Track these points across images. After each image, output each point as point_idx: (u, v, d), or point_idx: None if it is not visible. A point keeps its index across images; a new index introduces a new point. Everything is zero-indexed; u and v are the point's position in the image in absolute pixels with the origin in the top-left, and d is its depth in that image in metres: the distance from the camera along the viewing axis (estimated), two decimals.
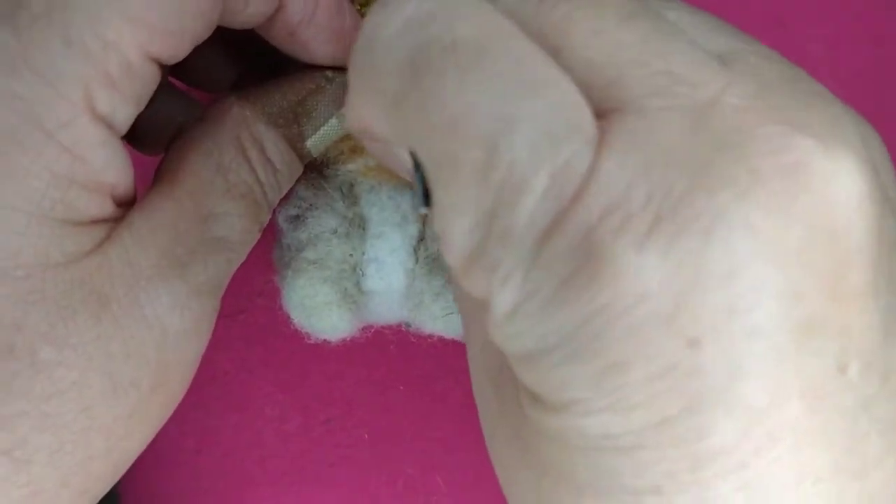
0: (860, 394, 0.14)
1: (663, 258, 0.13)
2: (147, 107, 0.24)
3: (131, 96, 0.18)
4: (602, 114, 0.14)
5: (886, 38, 0.30)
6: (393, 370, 0.30)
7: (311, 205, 0.24)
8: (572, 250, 0.13)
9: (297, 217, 0.25)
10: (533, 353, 0.14)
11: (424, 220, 0.25)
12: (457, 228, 0.14)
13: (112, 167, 0.18)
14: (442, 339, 0.26)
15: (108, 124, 0.18)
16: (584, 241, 0.13)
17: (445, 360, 0.30)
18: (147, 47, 0.18)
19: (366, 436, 0.30)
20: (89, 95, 0.17)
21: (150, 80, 0.19)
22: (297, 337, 0.25)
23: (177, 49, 0.19)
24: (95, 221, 0.19)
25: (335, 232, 0.24)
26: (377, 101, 0.15)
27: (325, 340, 0.25)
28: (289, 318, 0.25)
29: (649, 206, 0.13)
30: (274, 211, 0.24)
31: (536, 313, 0.14)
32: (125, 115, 0.18)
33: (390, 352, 0.30)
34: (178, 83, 0.25)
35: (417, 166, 0.15)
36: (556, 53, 0.15)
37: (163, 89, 0.24)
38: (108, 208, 0.19)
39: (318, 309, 0.24)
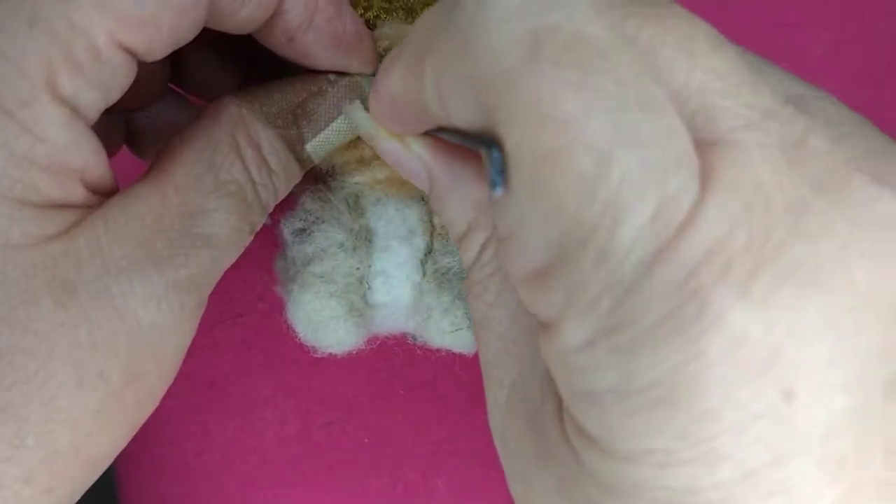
0: None
1: (764, 306, 0.13)
2: (147, 112, 0.24)
3: (97, 83, 0.18)
4: (697, 144, 0.13)
5: (887, 39, 0.30)
6: (393, 374, 0.30)
7: (317, 218, 0.24)
8: (672, 288, 0.13)
9: (303, 230, 0.24)
10: (607, 392, 0.13)
11: (433, 234, 0.25)
12: (540, 233, 0.13)
13: (77, 150, 0.18)
14: None
15: (71, 107, 0.18)
16: (686, 280, 0.13)
17: (446, 364, 0.30)
18: (117, 35, 0.17)
19: (366, 439, 0.30)
20: (52, 76, 0.17)
21: (120, 70, 0.18)
22: (297, 341, 0.25)
23: (151, 42, 0.18)
24: (62, 206, 0.18)
25: (342, 245, 0.24)
26: (468, 75, 0.14)
27: (330, 353, 0.25)
28: (291, 328, 0.25)
29: (750, 250, 0.13)
30: (278, 222, 0.24)
31: (622, 350, 0.13)
32: (90, 101, 0.18)
33: (391, 356, 0.30)
34: (179, 90, 0.25)
35: (496, 147, 0.14)
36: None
37: (163, 95, 0.24)
38: (77, 194, 0.18)
39: (324, 323, 0.23)
